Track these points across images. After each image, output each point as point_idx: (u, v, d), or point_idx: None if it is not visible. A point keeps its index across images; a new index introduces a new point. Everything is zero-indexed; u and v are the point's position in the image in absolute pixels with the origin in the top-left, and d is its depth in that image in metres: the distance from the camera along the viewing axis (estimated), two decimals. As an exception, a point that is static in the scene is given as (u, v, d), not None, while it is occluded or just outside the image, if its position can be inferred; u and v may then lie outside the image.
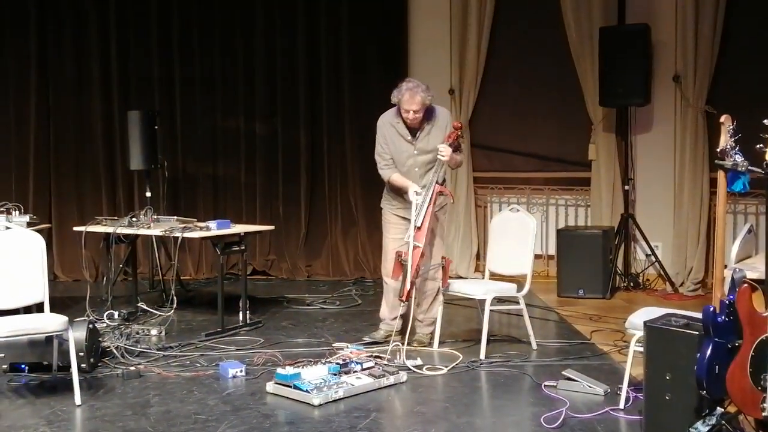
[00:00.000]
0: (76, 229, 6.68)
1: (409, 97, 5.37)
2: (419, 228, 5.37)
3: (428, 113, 5.53)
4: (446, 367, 5.08)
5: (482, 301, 5.42)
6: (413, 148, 5.56)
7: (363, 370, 4.82)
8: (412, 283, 5.29)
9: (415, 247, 5.32)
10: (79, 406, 4.39)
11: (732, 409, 3.53)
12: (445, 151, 5.43)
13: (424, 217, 5.38)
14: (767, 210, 3.34)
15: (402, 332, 5.52)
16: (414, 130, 5.55)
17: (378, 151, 5.68)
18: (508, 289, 5.57)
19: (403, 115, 5.48)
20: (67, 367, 4.58)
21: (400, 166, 5.61)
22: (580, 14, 8.00)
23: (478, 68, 8.53)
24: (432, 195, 5.43)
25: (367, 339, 5.73)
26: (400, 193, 5.61)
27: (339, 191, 8.94)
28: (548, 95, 8.45)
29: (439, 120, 5.58)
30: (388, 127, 5.61)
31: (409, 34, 8.86)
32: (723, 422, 3.52)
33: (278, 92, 8.96)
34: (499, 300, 5.57)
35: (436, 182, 5.47)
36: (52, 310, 4.69)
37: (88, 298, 6.26)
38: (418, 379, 4.90)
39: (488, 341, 5.39)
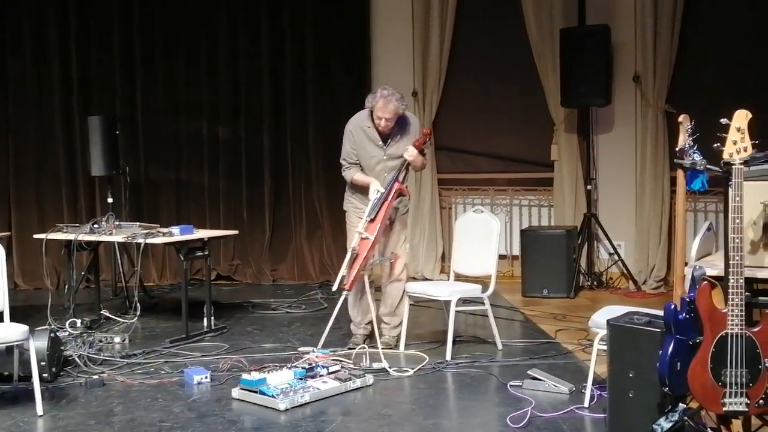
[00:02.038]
0: (36, 236, 6.58)
1: (383, 104, 5.38)
2: (372, 220, 5.39)
3: (400, 120, 5.54)
4: (412, 369, 5.08)
5: (447, 303, 5.44)
6: (383, 153, 5.57)
7: (329, 374, 4.81)
8: (358, 274, 5.27)
9: (364, 239, 5.32)
10: (41, 416, 4.32)
11: (694, 404, 3.57)
12: (411, 152, 5.46)
13: (379, 210, 5.38)
14: (725, 208, 3.38)
15: (368, 335, 5.52)
16: (385, 136, 5.56)
17: (344, 152, 5.65)
18: (473, 289, 5.59)
19: (375, 121, 5.47)
20: (28, 377, 4.51)
21: (368, 171, 5.61)
22: (541, 15, 8.07)
23: (440, 70, 8.56)
24: (390, 189, 5.43)
25: (349, 348, 5.57)
26: (363, 192, 5.60)
27: (303, 195, 8.91)
28: (511, 96, 8.51)
29: (410, 127, 5.61)
30: (358, 130, 5.59)
31: (372, 37, 8.88)
32: (685, 418, 3.56)
33: (241, 96, 8.93)
34: (464, 301, 5.59)
35: (397, 180, 5.48)
36: (13, 319, 4.61)
37: (49, 306, 6.15)
38: (384, 381, 4.90)
39: (454, 342, 5.41)
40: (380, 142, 5.56)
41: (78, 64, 8.70)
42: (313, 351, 5.27)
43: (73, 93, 8.71)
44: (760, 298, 3.52)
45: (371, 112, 5.49)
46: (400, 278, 5.69)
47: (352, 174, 5.63)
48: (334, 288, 5.38)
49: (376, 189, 5.47)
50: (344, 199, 5.83)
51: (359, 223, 5.50)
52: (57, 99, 8.69)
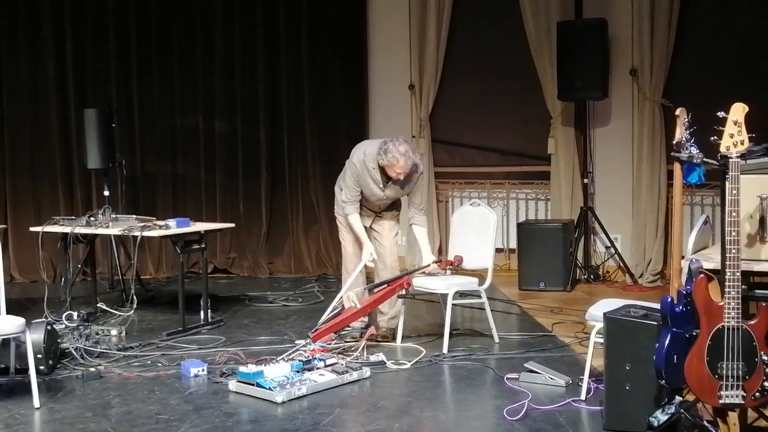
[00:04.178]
0: (32, 229, 6.57)
1: (404, 162, 5.36)
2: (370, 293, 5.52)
3: None
4: (409, 361, 5.09)
5: (444, 296, 5.45)
6: (383, 193, 5.63)
7: (326, 366, 4.82)
8: (330, 332, 5.26)
9: (352, 306, 5.36)
10: (37, 408, 4.32)
11: (690, 397, 3.58)
12: (432, 269, 5.63)
13: (380, 289, 5.47)
14: (722, 201, 3.38)
15: (367, 327, 5.54)
16: (387, 180, 5.57)
17: (348, 185, 5.64)
18: (470, 283, 5.60)
19: (389, 172, 5.44)
20: (25, 370, 4.51)
21: (367, 204, 5.72)
22: (538, 9, 8.06)
23: (437, 63, 8.54)
24: (401, 279, 5.49)
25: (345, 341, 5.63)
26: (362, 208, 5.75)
27: (300, 188, 8.90)
28: (507, 90, 8.50)
29: (414, 174, 5.59)
30: (363, 170, 5.57)
31: (368, 30, 8.86)
32: (681, 411, 3.57)
33: (237, 89, 8.90)
34: (461, 294, 5.60)
35: (411, 275, 5.59)
36: (9, 312, 4.61)
37: (46, 299, 6.15)
38: (381, 374, 4.91)
39: (451, 335, 5.42)
40: (381, 185, 5.59)
41: (73, 58, 8.66)
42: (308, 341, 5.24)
43: (69, 86, 8.67)
44: (756, 291, 3.53)
45: (378, 153, 5.43)
46: (391, 266, 5.72)
47: (351, 212, 5.66)
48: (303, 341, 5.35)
49: (369, 252, 5.59)
50: (335, 203, 5.87)
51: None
52: (53, 92, 8.64)
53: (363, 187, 5.62)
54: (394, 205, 5.84)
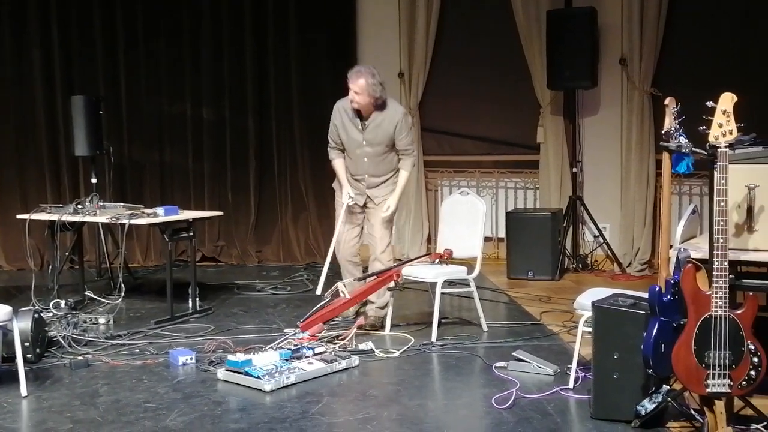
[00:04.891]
0: (19, 216, 6.53)
1: (354, 77, 5.46)
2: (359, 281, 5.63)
3: (381, 107, 5.58)
4: (398, 350, 5.10)
5: (433, 284, 5.45)
6: (362, 137, 5.61)
7: (315, 355, 4.82)
8: (319, 322, 5.28)
9: (341, 297, 5.39)
10: (25, 397, 4.31)
11: (677, 386, 3.61)
12: (389, 207, 5.67)
13: (371, 280, 5.53)
14: (710, 191, 3.39)
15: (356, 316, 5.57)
16: (364, 120, 5.59)
17: (330, 131, 5.77)
18: (459, 271, 5.60)
19: (349, 96, 5.51)
20: (12, 358, 4.49)
21: (350, 153, 5.71)
22: (528, -4, 8.05)
23: (426, 51, 8.52)
24: (390, 270, 5.51)
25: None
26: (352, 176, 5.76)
27: (289, 176, 8.88)
28: (497, 78, 8.48)
29: (389, 112, 5.60)
30: (341, 111, 5.68)
31: (357, 17, 8.81)
32: (669, 399, 3.60)
33: (225, 76, 8.85)
34: (449, 283, 5.60)
35: (401, 266, 5.61)
36: (-4, 300, 4.59)
37: (33, 287, 6.11)
38: (370, 362, 4.91)
39: (439, 324, 5.42)
40: (359, 126, 5.59)
41: (60, 45, 8.59)
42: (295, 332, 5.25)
43: (56, 73, 8.61)
44: (743, 280, 3.56)
45: None
46: (380, 258, 5.71)
47: (333, 157, 5.79)
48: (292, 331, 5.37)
49: (347, 193, 5.67)
50: (335, 179, 5.90)
51: (348, 215, 5.69)
52: (38, 79, 8.58)
53: (342, 135, 5.68)
54: (387, 185, 5.78)
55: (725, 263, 3.27)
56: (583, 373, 4.38)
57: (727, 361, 3.31)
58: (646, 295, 3.57)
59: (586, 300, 4.16)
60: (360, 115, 5.59)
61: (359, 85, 5.44)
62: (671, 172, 3.83)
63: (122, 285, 6.07)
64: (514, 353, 4.78)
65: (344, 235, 5.80)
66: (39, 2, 8.54)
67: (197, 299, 6.27)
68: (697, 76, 7.32)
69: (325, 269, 5.80)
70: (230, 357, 4.64)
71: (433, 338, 5.31)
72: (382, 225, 5.73)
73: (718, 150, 3.30)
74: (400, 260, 6.55)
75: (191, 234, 6.26)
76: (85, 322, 5.85)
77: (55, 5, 8.56)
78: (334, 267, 5.89)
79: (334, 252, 5.76)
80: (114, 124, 8.56)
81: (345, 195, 5.69)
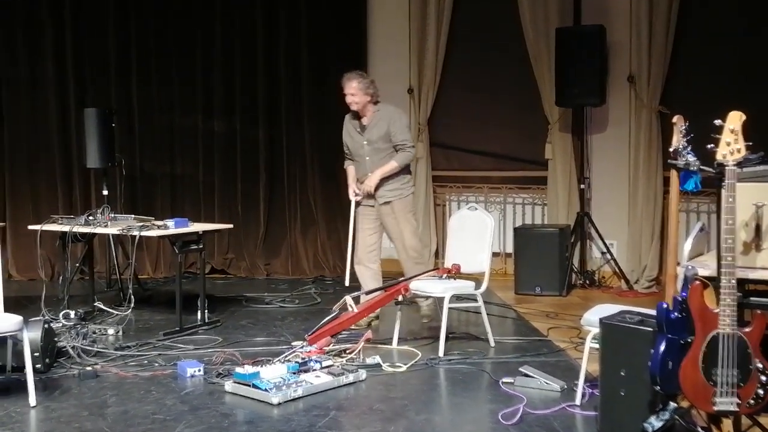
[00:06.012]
0: (31, 227, 6.57)
1: (346, 82, 6.04)
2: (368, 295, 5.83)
3: (377, 105, 6.13)
4: (405, 364, 5.11)
5: (441, 299, 5.46)
6: (363, 139, 6.10)
7: (322, 368, 4.83)
8: (326, 335, 5.31)
9: (349, 311, 5.46)
10: (34, 407, 4.33)
11: (685, 403, 3.60)
12: (371, 180, 6.06)
13: (377, 295, 5.68)
14: (718, 209, 3.40)
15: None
16: (364, 122, 6.10)
17: (343, 143, 6.33)
18: (467, 286, 5.61)
19: (347, 100, 6.05)
20: (21, 368, 4.51)
21: (357, 157, 6.20)
22: (537, 15, 8.09)
23: (436, 67, 8.58)
24: (398, 285, 5.61)
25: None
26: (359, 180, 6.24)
27: (298, 190, 8.92)
28: (506, 95, 8.53)
29: (384, 112, 6.11)
30: (347, 122, 6.26)
31: (368, 33, 8.88)
32: (676, 417, 3.58)
33: (237, 90, 8.92)
34: (457, 298, 5.62)
35: (408, 281, 5.71)
36: (7, 309, 4.63)
37: (43, 297, 6.14)
38: (377, 376, 4.92)
39: (447, 339, 5.43)
40: (360, 128, 6.11)
41: (73, 57, 8.68)
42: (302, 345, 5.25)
43: (69, 85, 8.70)
44: (751, 298, 3.54)
45: None
46: (410, 255, 6.17)
47: (347, 165, 6.36)
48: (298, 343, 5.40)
49: (353, 191, 6.19)
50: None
51: (364, 211, 6.14)
52: (52, 91, 8.67)
53: (348, 141, 6.24)
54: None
55: (733, 281, 3.27)
56: (590, 390, 4.38)
57: (734, 379, 3.30)
58: (653, 312, 3.56)
59: (593, 316, 4.17)
60: (360, 118, 6.13)
61: (353, 87, 6.01)
62: (679, 189, 3.84)
63: (132, 296, 6.11)
64: (521, 369, 4.78)
65: (362, 240, 6.18)
66: (53, 16, 8.63)
67: (206, 311, 6.29)
68: (705, 94, 7.34)
69: (348, 258, 6.24)
70: (238, 369, 4.66)
71: (441, 353, 5.31)
72: (393, 221, 6.13)
73: (726, 168, 3.31)
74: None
75: (201, 246, 6.30)
76: (94, 332, 5.88)
77: (69, 19, 8.65)
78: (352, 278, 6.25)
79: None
80: (126, 137, 8.62)
81: (351, 192, 6.19)
